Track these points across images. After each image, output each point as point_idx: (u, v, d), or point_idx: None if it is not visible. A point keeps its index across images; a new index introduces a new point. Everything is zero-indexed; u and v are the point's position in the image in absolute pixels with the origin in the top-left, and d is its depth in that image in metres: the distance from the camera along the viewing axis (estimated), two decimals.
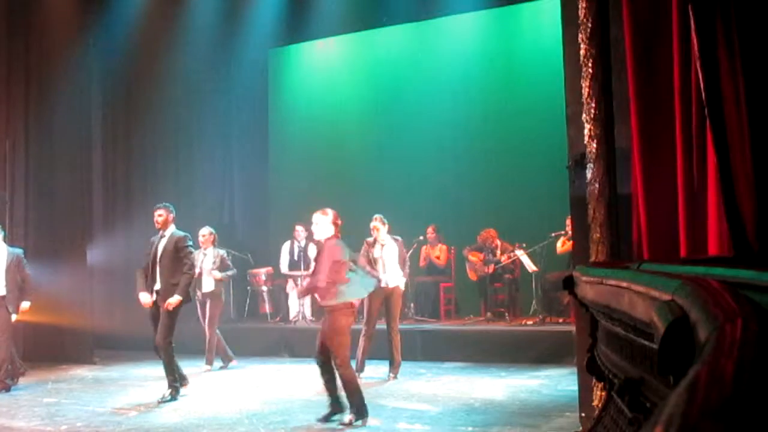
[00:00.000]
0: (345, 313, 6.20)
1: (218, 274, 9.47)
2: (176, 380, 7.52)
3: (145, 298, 7.51)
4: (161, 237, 7.60)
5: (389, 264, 8.45)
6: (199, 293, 9.34)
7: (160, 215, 7.59)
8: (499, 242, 10.63)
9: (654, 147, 4.31)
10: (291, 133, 13.53)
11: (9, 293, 8.21)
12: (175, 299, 7.31)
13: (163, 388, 7.53)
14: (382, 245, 8.51)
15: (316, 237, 6.41)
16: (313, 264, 6.45)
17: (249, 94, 13.22)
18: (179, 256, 7.53)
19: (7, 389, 8.22)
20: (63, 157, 10.73)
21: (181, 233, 7.67)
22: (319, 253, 6.37)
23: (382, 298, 8.31)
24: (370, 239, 8.52)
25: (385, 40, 12.97)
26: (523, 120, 11.52)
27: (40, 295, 9.09)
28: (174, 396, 7.44)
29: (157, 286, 7.46)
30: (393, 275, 8.45)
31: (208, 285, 9.43)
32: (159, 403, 7.29)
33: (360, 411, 6.15)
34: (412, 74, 12.66)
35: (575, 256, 5.60)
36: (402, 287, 8.66)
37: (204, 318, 9.45)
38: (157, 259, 7.50)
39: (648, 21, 4.39)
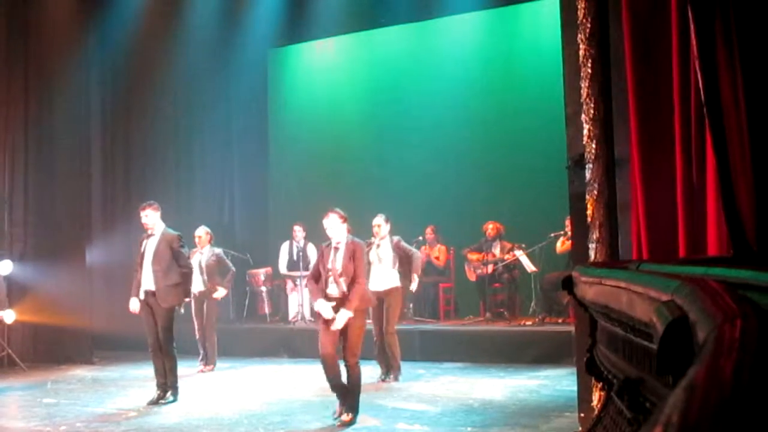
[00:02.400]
0: (363, 312, 6.37)
1: (222, 292, 9.63)
2: (176, 381, 7.49)
3: (134, 305, 7.40)
4: (149, 236, 7.47)
5: (378, 266, 8.26)
6: (195, 292, 9.34)
7: (146, 215, 7.43)
8: (499, 242, 10.62)
9: (653, 147, 4.31)
10: (290, 134, 13.53)
11: None
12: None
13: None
14: (377, 246, 8.42)
15: (335, 239, 6.26)
16: (333, 266, 6.23)
17: (249, 95, 13.21)
18: (175, 257, 7.41)
19: None
20: (62, 158, 10.73)
21: (174, 232, 7.54)
22: (346, 256, 6.22)
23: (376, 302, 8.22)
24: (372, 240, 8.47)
25: (384, 41, 12.97)
26: (522, 120, 11.52)
27: (40, 296, 9.12)
28: (175, 397, 7.44)
29: (150, 287, 7.32)
30: (380, 278, 8.22)
31: (203, 284, 9.46)
32: (150, 405, 7.25)
33: (357, 410, 6.22)
34: (411, 75, 12.67)
35: (574, 257, 5.60)
36: (397, 289, 8.33)
37: (198, 316, 9.47)
38: (150, 260, 7.34)
39: (647, 21, 4.39)
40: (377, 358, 8.30)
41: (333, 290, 6.25)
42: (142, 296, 7.35)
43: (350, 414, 6.16)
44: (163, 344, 7.32)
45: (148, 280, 7.33)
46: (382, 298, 8.14)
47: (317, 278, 6.35)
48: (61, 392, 8.17)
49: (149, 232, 7.46)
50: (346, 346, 6.17)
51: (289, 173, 13.38)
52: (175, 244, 7.41)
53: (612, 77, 4.85)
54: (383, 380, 8.18)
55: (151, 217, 7.41)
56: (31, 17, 10.75)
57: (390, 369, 8.26)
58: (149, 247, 7.42)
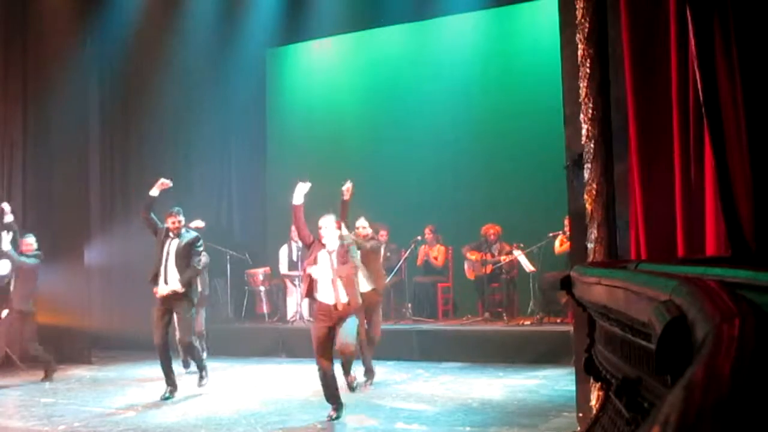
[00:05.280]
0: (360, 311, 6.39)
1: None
2: (171, 381, 7.67)
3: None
4: (172, 239, 7.67)
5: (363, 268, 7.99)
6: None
7: (179, 221, 7.73)
8: (498, 243, 10.61)
9: (651, 147, 4.31)
10: (289, 133, 13.51)
11: None
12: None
13: (161, 387, 7.56)
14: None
15: (328, 244, 6.22)
16: (330, 269, 6.20)
17: (247, 95, 13.20)
18: (193, 255, 7.72)
19: None
20: (61, 158, 10.72)
21: (194, 233, 7.86)
22: (340, 259, 6.23)
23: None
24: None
25: (382, 40, 12.96)
26: (520, 120, 11.51)
27: (38, 295, 9.12)
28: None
29: (177, 287, 7.56)
30: (364, 280, 7.89)
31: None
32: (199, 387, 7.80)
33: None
34: (409, 74, 12.66)
35: (573, 256, 5.60)
36: (376, 290, 7.95)
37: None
38: (172, 261, 7.59)
39: (646, 21, 4.39)
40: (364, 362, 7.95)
41: (325, 297, 6.16)
42: (166, 291, 7.58)
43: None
44: (188, 340, 7.72)
45: (173, 281, 7.58)
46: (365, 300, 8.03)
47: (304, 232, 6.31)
48: (59, 392, 8.16)
49: (172, 234, 7.68)
50: (345, 345, 6.13)
51: (287, 173, 13.35)
52: (197, 245, 7.77)
53: (610, 77, 4.85)
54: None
55: (175, 223, 7.73)
56: (30, 17, 10.74)
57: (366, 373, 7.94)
58: (172, 249, 7.65)
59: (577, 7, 4.91)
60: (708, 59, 3.27)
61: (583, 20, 4.86)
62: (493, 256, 10.53)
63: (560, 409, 6.48)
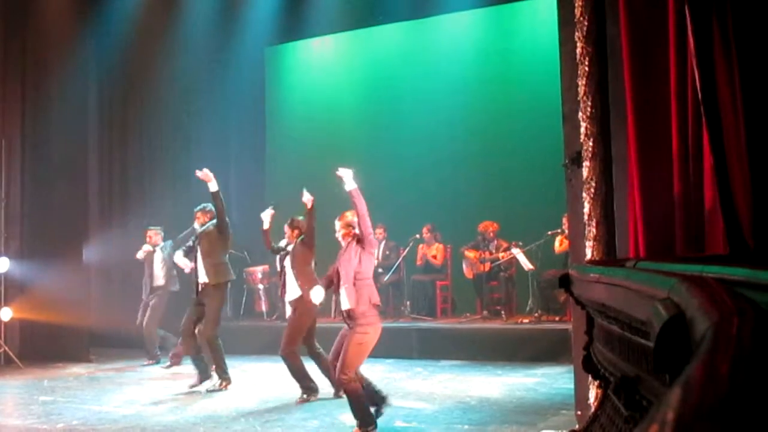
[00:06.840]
0: (364, 325, 5.83)
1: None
2: (225, 372, 7.92)
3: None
4: (200, 238, 8.08)
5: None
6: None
7: (199, 216, 8.28)
8: (496, 240, 10.61)
9: (650, 145, 4.30)
10: (288, 132, 13.52)
11: None
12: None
13: (159, 386, 7.56)
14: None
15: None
16: (335, 271, 5.97)
17: (245, 93, 13.19)
18: (220, 236, 8.13)
19: None
20: (59, 154, 10.71)
21: (214, 221, 8.22)
22: (345, 258, 5.99)
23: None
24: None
25: (381, 38, 12.96)
26: (519, 118, 11.52)
27: (37, 293, 9.12)
28: (226, 387, 7.89)
29: (205, 279, 7.93)
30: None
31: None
32: (208, 391, 7.73)
33: (368, 420, 5.89)
34: (408, 73, 12.65)
35: (571, 254, 5.60)
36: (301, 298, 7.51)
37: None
38: (201, 255, 8.00)
39: (644, 19, 4.38)
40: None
41: (339, 301, 5.86)
42: (199, 288, 7.98)
43: (362, 427, 5.77)
44: (209, 335, 7.84)
45: (202, 274, 7.99)
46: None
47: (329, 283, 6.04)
48: (58, 390, 8.16)
49: (198, 229, 8.20)
50: (341, 360, 5.68)
51: (285, 171, 13.37)
52: (218, 229, 8.15)
53: (609, 75, 4.85)
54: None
55: (200, 220, 8.28)
56: (29, 17, 10.73)
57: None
58: (200, 246, 8.10)
59: (576, 5, 4.90)
60: (707, 58, 3.27)
61: (581, 18, 4.86)
62: (491, 253, 10.53)
63: (559, 407, 6.48)
